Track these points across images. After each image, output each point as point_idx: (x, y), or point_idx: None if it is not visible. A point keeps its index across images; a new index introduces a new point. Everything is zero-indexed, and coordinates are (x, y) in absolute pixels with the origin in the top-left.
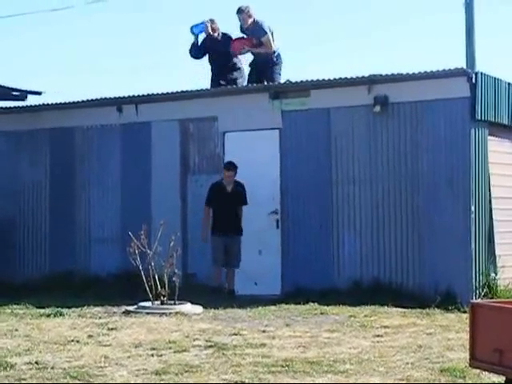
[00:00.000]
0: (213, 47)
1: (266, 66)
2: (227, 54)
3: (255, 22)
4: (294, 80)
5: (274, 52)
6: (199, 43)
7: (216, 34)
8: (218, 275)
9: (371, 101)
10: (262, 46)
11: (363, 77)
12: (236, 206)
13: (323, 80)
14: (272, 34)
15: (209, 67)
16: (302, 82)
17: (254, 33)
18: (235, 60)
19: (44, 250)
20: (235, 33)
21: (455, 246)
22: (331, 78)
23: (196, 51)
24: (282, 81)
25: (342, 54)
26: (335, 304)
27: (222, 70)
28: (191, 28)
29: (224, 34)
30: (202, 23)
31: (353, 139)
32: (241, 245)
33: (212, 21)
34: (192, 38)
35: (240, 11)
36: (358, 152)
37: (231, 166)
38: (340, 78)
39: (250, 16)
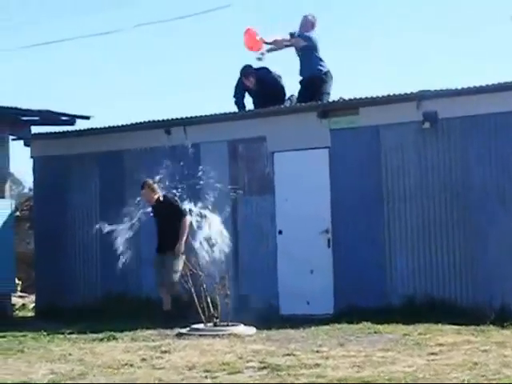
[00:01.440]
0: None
1: (314, 84)
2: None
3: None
4: (342, 98)
5: (321, 71)
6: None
7: (252, 83)
8: (165, 299)
9: (420, 117)
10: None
11: (412, 93)
12: (166, 221)
13: (371, 97)
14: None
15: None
16: (350, 99)
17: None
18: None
19: (95, 274)
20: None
21: (509, 261)
22: (380, 96)
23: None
24: (333, 99)
25: (390, 71)
26: (389, 322)
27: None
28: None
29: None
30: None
31: (402, 156)
32: (174, 262)
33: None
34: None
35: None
36: (408, 169)
37: (142, 185)
38: (388, 95)
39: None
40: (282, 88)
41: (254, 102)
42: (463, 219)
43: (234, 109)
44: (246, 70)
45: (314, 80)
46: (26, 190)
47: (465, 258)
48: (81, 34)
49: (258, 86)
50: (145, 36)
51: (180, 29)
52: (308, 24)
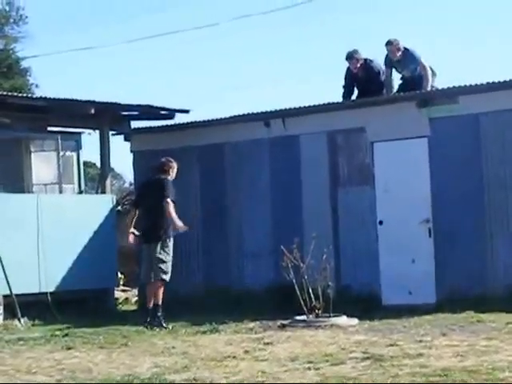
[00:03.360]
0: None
1: (415, 81)
2: (370, 77)
3: (405, 52)
4: (441, 87)
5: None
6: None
7: (357, 67)
8: (149, 294)
9: None
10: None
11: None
12: (155, 203)
13: (471, 85)
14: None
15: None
16: (449, 88)
17: (407, 63)
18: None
19: (198, 267)
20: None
21: None
22: (479, 83)
23: (346, 86)
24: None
25: (489, 58)
26: (491, 311)
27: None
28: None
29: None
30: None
31: (503, 144)
32: (164, 252)
33: (351, 55)
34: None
35: (389, 43)
36: (509, 156)
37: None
38: (488, 83)
39: (398, 49)
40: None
41: (358, 89)
42: None
43: (333, 99)
44: (351, 53)
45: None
46: (126, 185)
47: None
48: (179, 28)
49: (363, 71)
50: (240, 28)
51: (277, 19)
52: (395, 50)
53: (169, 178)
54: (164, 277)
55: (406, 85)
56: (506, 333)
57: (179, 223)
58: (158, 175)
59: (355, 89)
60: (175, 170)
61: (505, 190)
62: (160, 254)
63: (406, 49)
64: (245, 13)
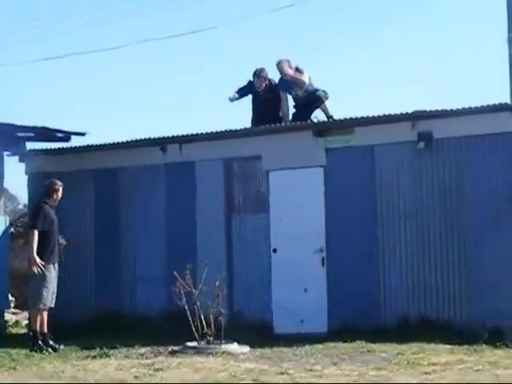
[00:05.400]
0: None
1: (310, 105)
2: (271, 100)
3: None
4: (337, 117)
5: (317, 91)
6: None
7: (263, 86)
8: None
9: (415, 137)
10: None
11: (407, 113)
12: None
13: (367, 117)
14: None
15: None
16: (345, 119)
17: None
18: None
19: (90, 291)
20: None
21: (502, 282)
22: (375, 115)
23: (242, 91)
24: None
25: (384, 90)
26: (382, 341)
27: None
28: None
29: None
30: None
31: (397, 175)
32: (37, 279)
33: (259, 73)
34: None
35: (280, 62)
36: (403, 188)
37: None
38: (384, 115)
39: (290, 67)
40: (285, 108)
41: (253, 107)
42: (457, 239)
43: (229, 126)
44: (262, 72)
45: (309, 101)
46: (20, 206)
47: (459, 277)
48: (76, 50)
49: (268, 92)
50: (143, 50)
51: (177, 44)
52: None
53: (50, 201)
54: (39, 304)
55: (301, 106)
56: (395, 363)
57: (33, 258)
58: (41, 198)
59: (254, 104)
60: (59, 192)
61: (398, 222)
62: (33, 280)
63: (297, 68)
64: (146, 37)
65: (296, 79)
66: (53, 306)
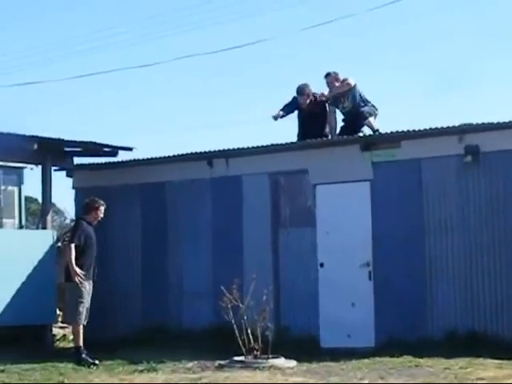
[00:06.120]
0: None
1: (357, 119)
2: (317, 115)
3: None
4: (384, 131)
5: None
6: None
7: (307, 103)
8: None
9: (462, 151)
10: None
11: (454, 126)
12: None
13: (413, 131)
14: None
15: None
16: (392, 133)
17: (347, 93)
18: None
19: (137, 305)
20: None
21: None
22: (421, 129)
23: (287, 108)
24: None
25: (432, 104)
26: (429, 356)
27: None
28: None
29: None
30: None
31: (444, 189)
32: (74, 295)
33: (302, 90)
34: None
35: (328, 75)
36: (450, 202)
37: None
38: (430, 128)
39: (337, 79)
40: (332, 122)
41: (299, 122)
42: (505, 253)
43: (276, 140)
44: (305, 88)
45: (356, 115)
46: (67, 221)
47: (507, 291)
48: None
49: (314, 106)
50: (191, 65)
51: (226, 59)
52: (333, 81)
53: (90, 218)
54: (77, 319)
55: (348, 120)
56: (443, 378)
57: (74, 269)
58: (81, 215)
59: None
60: (99, 211)
61: (445, 235)
62: (69, 296)
63: (343, 79)
64: (189, 53)
65: (342, 89)
66: (85, 324)
